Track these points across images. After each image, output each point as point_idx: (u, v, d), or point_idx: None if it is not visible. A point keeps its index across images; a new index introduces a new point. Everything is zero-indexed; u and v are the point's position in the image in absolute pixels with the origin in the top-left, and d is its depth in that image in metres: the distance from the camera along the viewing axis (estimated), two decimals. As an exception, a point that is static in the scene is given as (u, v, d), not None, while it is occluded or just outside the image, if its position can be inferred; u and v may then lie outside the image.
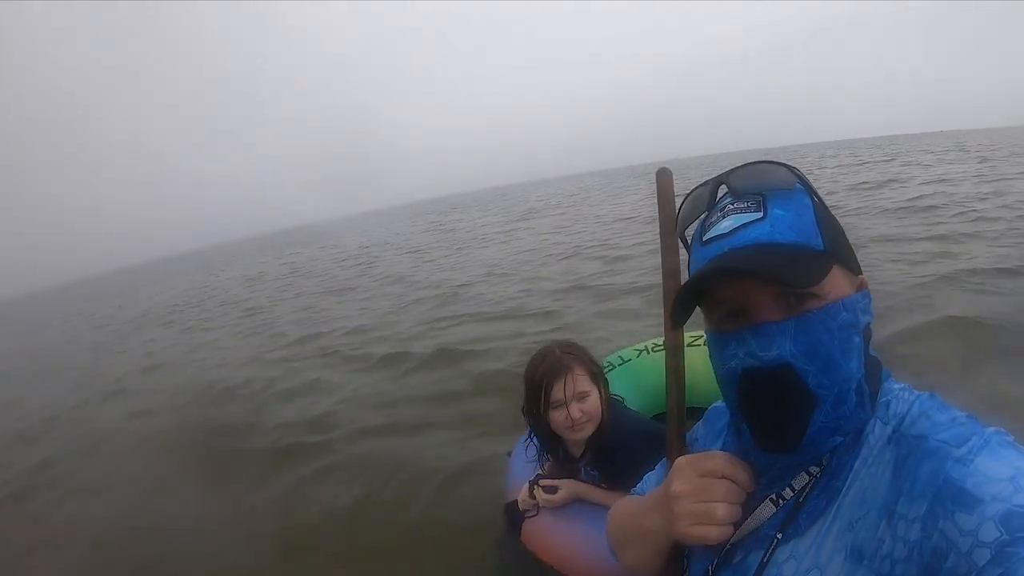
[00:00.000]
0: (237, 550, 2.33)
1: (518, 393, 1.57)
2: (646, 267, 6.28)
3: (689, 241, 0.65)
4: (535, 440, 1.66)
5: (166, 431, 4.05)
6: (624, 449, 1.44)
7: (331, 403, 3.88)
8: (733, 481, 0.59)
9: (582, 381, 1.45)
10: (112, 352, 8.28)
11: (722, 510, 0.58)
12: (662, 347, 2.29)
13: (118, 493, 3.16)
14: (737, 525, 0.60)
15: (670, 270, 0.76)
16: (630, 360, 2.29)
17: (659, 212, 0.78)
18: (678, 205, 0.68)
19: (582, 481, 1.64)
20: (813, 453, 0.57)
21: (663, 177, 0.81)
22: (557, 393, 1.44)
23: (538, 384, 1.47)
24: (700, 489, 0.59)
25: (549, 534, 1.63)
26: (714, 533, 0.58)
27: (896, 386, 0.59)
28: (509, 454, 2.09)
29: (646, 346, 2.37)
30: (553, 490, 1.63)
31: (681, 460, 0.63)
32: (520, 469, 1.92)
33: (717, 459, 0.61)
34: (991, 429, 0.50)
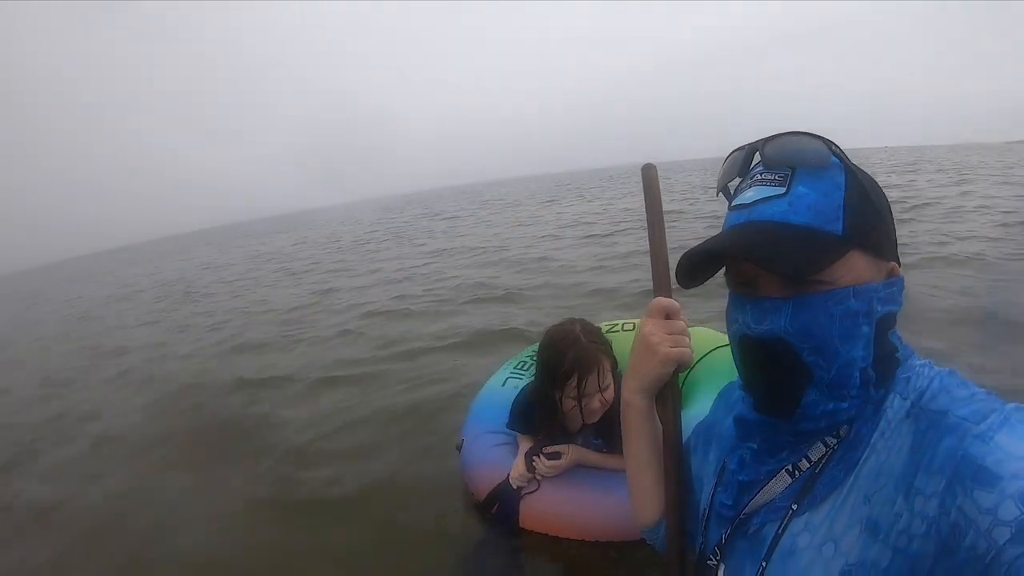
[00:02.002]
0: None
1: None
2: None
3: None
4: (532, 416, 1.66)
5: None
6: None
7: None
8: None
9: (608, 375, 1.47)
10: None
11: (687, 337, 0.74)
12: (631, 328, 2.34)
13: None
14: (752, 495, 0.61)
15: (658, 258, 0.79)
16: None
17: (646, 206, 0.80)
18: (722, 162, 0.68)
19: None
20: (809, 422, 0.57)
21: (648, 172, 0.82)
22: (589, 387, 1.44)
23: (567, 373, 1.45)
24: (666, 325, 0.74)
25: (558, 504, 1.61)
26: (688, 353, 0.72)
27: (918, 362, 0.58)
28: (459, 447, 2.02)
29: (612, 325, 2.41)
30: (557, 456, 1.61)
31: (646, 318, 0.76)
32: (479, 458, 1.88)
33: (671, 307, 0.75)
34: (1011, 405, 0.49)
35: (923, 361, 0.58)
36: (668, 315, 0.75)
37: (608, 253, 7.29)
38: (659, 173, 0.83)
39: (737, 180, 0.64)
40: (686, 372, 2.11)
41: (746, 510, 0.61)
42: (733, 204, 0.61)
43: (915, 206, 8.65)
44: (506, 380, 2.24)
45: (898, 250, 0.61)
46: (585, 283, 5.73)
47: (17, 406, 4.63)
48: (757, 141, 0.60)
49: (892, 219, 0.60)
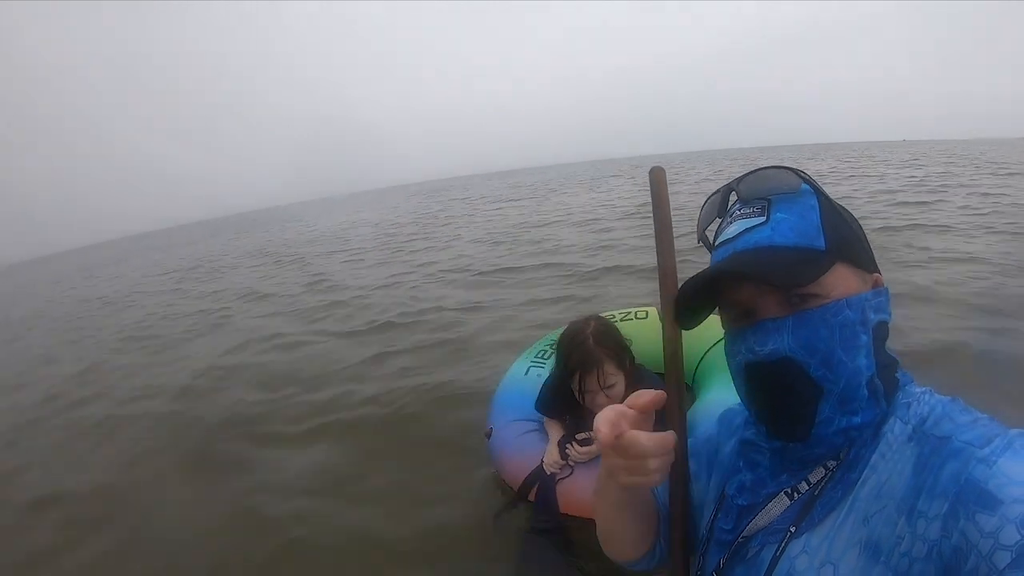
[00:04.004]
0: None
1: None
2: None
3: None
4: (556, 401, 1.79)
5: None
6: None
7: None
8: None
9: (610, 377, 1.57)
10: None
11: (653, 463, 0.58)
12: (644, 316, 2.41)
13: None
14: (751, 518, 0.61)
15: (666, 269, 0.73)
16: (616, 322, 2.32)
17: (653, 211, 0.74)
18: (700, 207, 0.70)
19: None
20: (825, 445, 0.57)
21: (656, 175, 0.75)
22: (589, 384, 1.57)
23: (571, 371, 1.60)
24: (622, 449, 0.57)
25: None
26: (652, 480, 0.59)
27: (918, 389, 0.59)
28: (488, 435, 2.03)
29: (626, 313, 2.48)
30: (589, 442, 1.71)
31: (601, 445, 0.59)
32: (509, 446, 1.91)
33: (617, 425, 0.58)
34: (1015, 431, 0.49)
35: (923, 388, 0.59)
36: (619, 434, 0.58)
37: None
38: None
39: (716, 223, 0.67)
40: (700, 356, 2.12)
41: (744, 533, 0.62)
42: (717, 243, 0.64)
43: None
44: (528, 369, 2.30)
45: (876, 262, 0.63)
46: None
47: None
48: (731, 182, 0.64)
49: (864, 235, 0.64)
